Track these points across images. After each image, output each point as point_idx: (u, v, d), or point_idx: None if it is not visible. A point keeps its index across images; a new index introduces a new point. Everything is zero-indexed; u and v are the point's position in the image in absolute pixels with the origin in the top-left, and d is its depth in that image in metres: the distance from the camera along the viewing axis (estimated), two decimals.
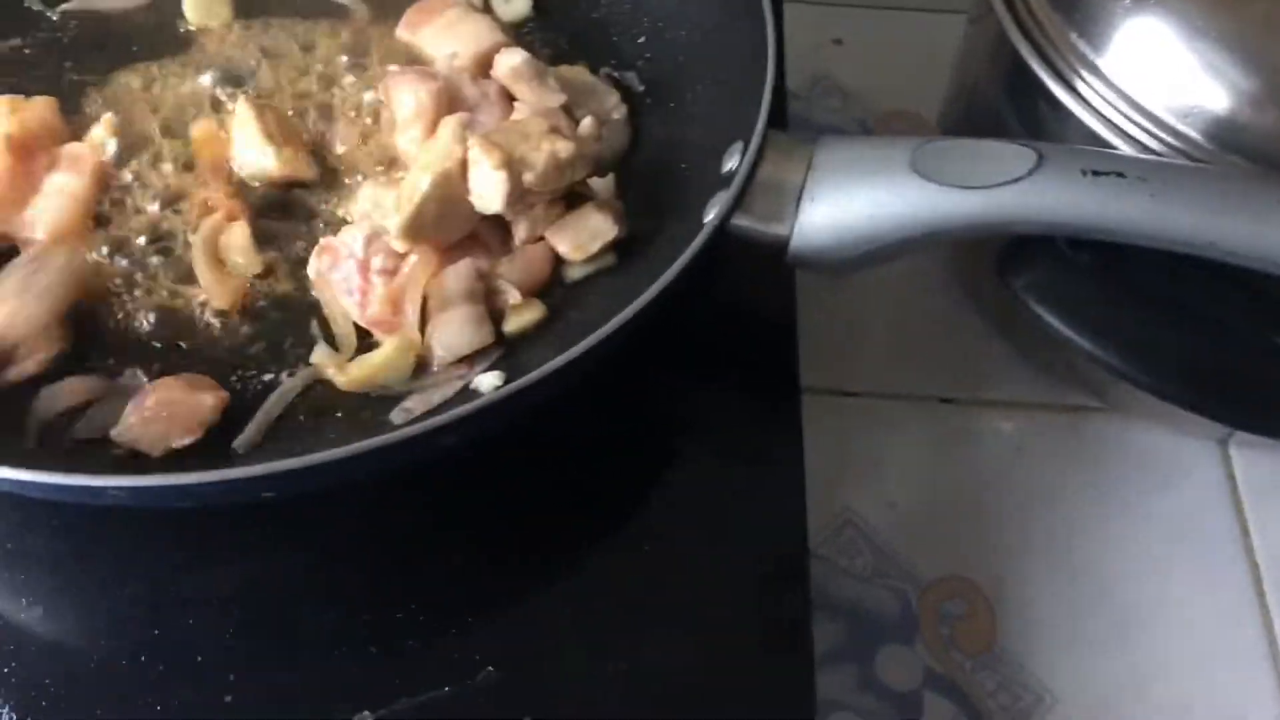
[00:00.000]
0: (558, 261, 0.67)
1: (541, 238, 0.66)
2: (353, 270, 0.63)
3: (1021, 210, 0.56)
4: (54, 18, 0.76)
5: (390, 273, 0.63)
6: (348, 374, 0.61)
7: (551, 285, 0.67)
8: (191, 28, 0.76)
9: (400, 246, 0.63)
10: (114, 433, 0.56)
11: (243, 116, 0.69)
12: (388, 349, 0.61)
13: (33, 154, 0.66)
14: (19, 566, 0.57)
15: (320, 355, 0.62)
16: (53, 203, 0.65)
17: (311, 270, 0.65)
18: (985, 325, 0.80)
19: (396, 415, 0.60)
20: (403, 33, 0.76)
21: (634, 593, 0.59)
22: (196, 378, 0.59)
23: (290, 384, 0.61)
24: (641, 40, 0.77)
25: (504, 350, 0.63)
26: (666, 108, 0.74)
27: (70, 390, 0.57)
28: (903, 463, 0.75)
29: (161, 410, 0.56)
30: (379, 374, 0.61)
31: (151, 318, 0.63)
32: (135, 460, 0.56)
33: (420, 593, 0.58)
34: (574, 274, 0.67)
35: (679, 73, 0.74)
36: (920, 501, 0.73)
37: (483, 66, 0.72)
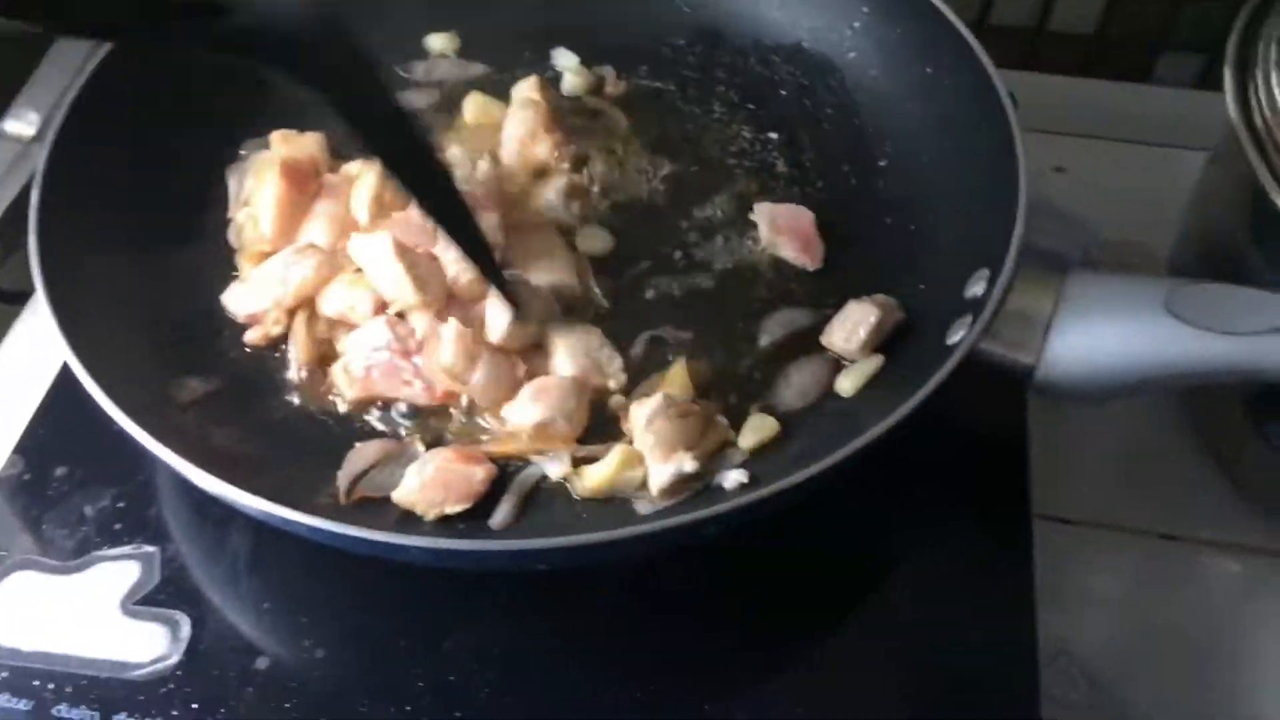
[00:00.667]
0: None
1: None
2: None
3: (1277, 360, 0.56)
4: None
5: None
6: (583, 483, 0.65)
7: None
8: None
9: None
10: (395, 495, 0.62)
11: None
12: (614, 462, 0.64)
13: (304, 181, 0.75)
14: (304, 610, 0.63)
15: (554, 470, 0.65)
16: (319, 225, 0.74)
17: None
18: (1213, 464, 0.79)
19: (642, 506, 0.64)
20: None
21: (862, 697, 0.61)
22: (468, 450, 0.65)
23: (535, 470, 0.65)
24: (883, 163, 0.81)
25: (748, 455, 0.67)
26: (906, 229, 0.77)
27: (375, 451, 0.64)
28: (1121, 596, 0.75)
29: (440, 478, 0.62)
30: (611, 484, 0.64)
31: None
32: (408, 521, 0.62)
33: (660, 672, 0.61)
34: (845, 386, 0.69)
35: (920, 196, 0.77)
36: (1139, 637, 0.73)
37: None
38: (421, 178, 0.65)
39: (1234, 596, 0.75)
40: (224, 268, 0.75)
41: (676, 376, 0.69)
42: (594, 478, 0.64)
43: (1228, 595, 0.75)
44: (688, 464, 0.63)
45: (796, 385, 0.70)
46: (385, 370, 0.67)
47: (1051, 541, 0.76)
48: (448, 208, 0.66)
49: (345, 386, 0.68)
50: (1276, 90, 0.70)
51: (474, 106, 0.83)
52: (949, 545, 0.68)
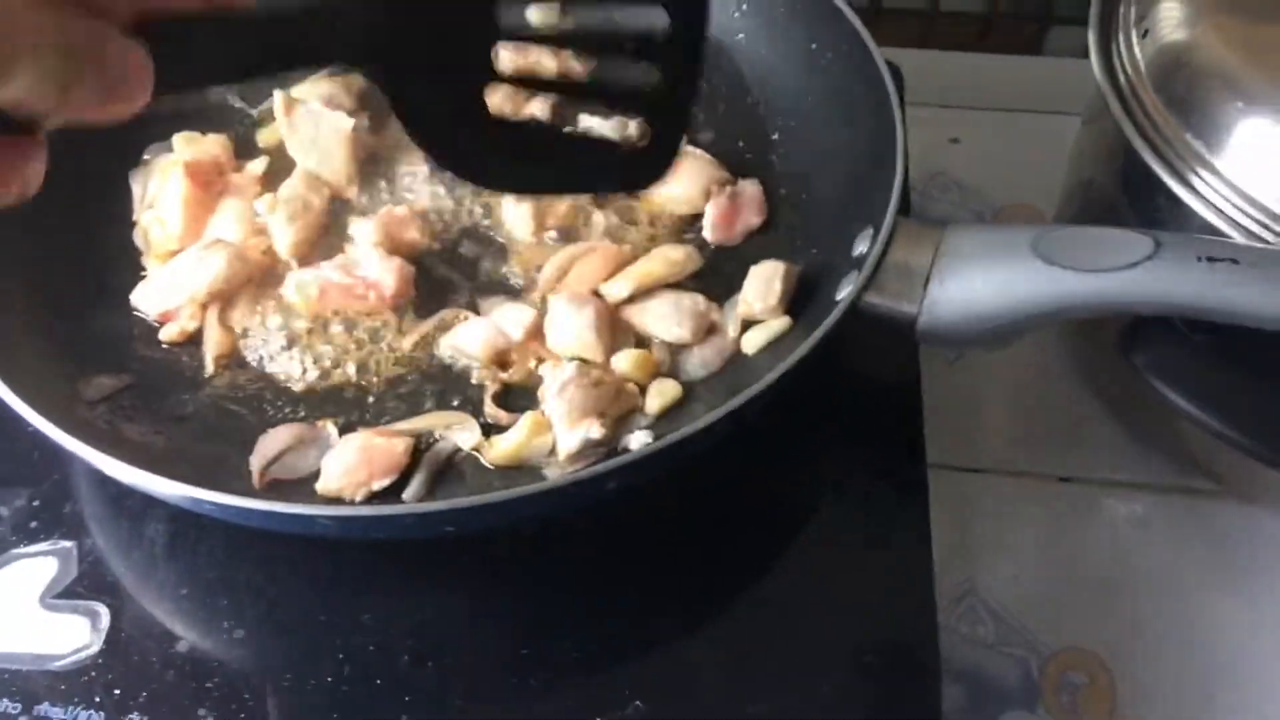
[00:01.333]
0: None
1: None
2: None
3: (1139, 293, 0.60)
4: (254, 113, 0.86)
5: None
6: (494, 452, 0.66)
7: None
8: None
9: None
10: (319, 486, 0.63)
11: None
12: (523, 429, 0.66)
13: (209, 180, 0.78)
14: (224, 593, 0.64)
15: (465, 440, 0.67)
16: (227, 221, 0.76)
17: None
18: (1104, 407, 0.83)
19: (550, 472, 0.66)
20: None
21: (771, 644, 0.63)
22: (381, 429, 0.66)
23: (446, 444, 0.67)
24: (775, 137, 0.84)
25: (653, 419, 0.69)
26: (799, 198, 0.80)
27: (287, 434, 0.65)
28: (1024, 538, 0.78)
29: (362, 456, 0.63)
30: (521, 452, 0.66)
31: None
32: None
33: (574, 631, 0.63)
34: (752, 342, 0.72)
35: (811, 166, 0.80)
36: (1042, 576, 0.76)
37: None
38: None
39: (1130, 532, 0.78)
40: (129, 269, 0.76)
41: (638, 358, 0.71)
42: (504, 446, 0.66)
43: (1124, 531, 0.78)
44: (595, 430, 0.65)
45: (698, 356, 0.72)
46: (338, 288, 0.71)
47: (956, 490, 0.79)
48: None
49: (302, 305, 0.71)
50: (1137, 49, 0.74)
51: None
52: (849, 495, 0.71)
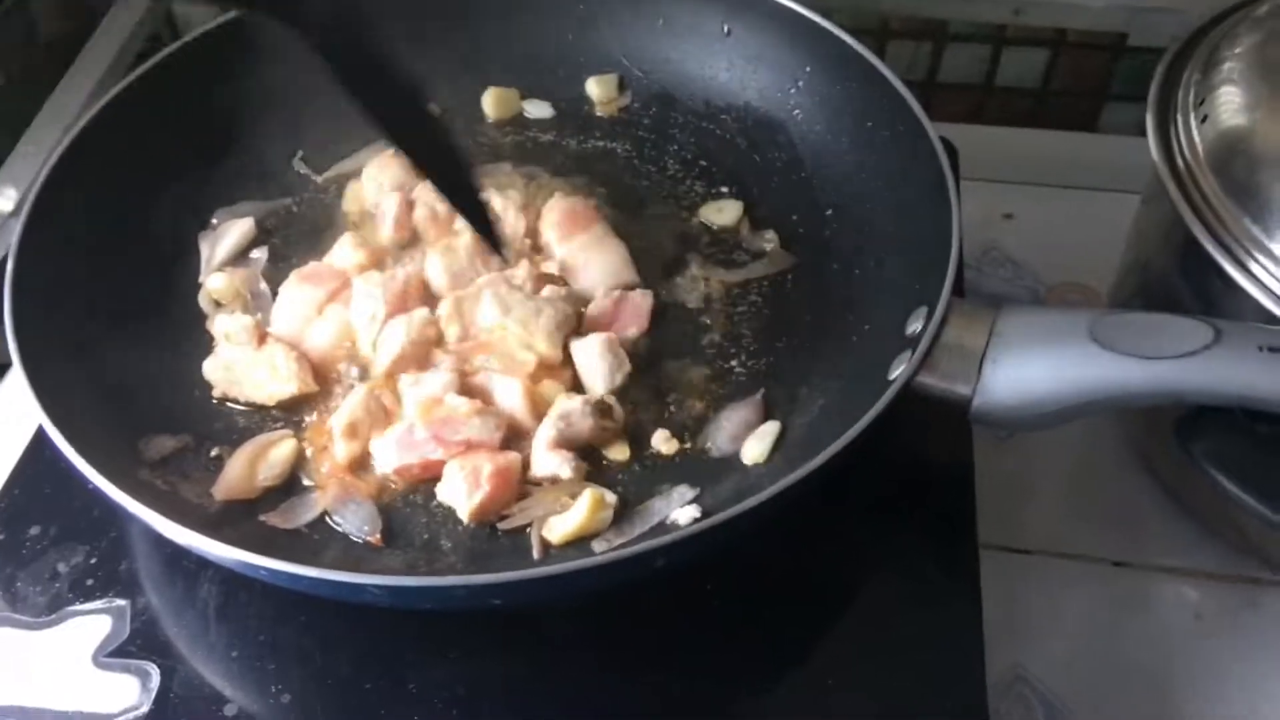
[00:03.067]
0: None
1: None
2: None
3: (1198, 383, 0.59)
4: (319, 180, 0.89)
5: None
6: (555, 534, 0.67)
7: None
8: None
9: None
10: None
11: None
12: (584, 509, 0.66)
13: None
14: (273, 657, 0.65)
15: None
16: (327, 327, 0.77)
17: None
18: (1159, 489, 0.81)
19: (597, 544, 0.67)
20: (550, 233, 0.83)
21: None
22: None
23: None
24: (829, 212, 0.84)
25: (699, 491, 0.69)
26: (852, 273, 0.80)
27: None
28: (1076, 623, 0.76)
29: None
30: (583, 531, 0.66)
31: None
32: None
33: (617, 706, 0.63)
34: (753, 453, 0.72)
35: (864, 242, 0.81)
36: (1094, 663, 0.74)
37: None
38: (424, 145, 0.67)
39: (1185, 620, 0.77)
40: (195, 331, 0.78)
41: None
42: (565, 528, 0.66)
43: (1179, 619, 0.77)
44: (566, 469, 0.68)
45: (728, 431, 0.73)
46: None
47: (1006, 571, 0.78)
48: (452, 174, 0.69)
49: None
50: (1196, 132, 0.74)
51: None
52: (900, 576, 0.70)
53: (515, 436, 0.71)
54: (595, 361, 0.74)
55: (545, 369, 0.74)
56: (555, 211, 0.83)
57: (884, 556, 0.71)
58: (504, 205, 0.82)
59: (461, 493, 0.68)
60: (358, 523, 0.68)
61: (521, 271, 0.79)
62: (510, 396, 0.72)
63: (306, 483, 0.70)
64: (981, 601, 0.68)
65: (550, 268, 0.81)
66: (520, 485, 0.68)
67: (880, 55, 1.14)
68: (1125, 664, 0.75)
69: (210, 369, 0.75)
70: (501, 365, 0.74)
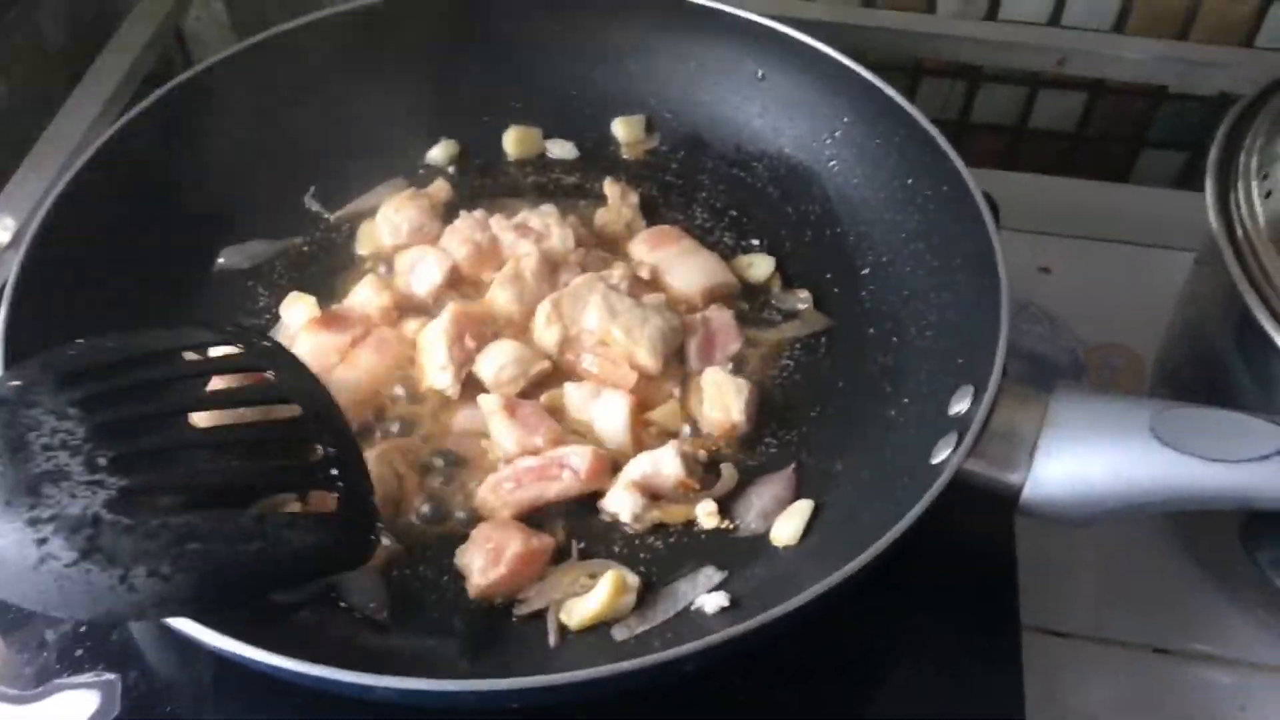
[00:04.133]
0: None
1: None
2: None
3: (1269, 489, 0.55)
4: (331, 218, 0.85)
5: None
6: (574, 619, 0.63)
7: None
8: None
9: None
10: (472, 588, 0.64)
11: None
12: (604, 593, 0.63)
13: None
14: None
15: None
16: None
17: None
18: (1203, 574, 0.78)
19: (618, 631, 0.63)
20: (640, 249, 0.82)
21: None
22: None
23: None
24: (865, 272, 0.81)
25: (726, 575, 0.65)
26: (889, 341, 0.76)
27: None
28: (1116, 710, 0.73)
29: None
30: (603, 616, 0.63)
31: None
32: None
33: None
34: (783, 535, 0.69)
35: (902, 307, 0.77)
36: None
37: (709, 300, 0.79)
38: None
39: (1227, 710, 0.73)
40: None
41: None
42: (584, 613, 0.63)
43: (1221, 709, 0.73)
44: (655, 512, 0.66)
45: (757, 507, 0.70)
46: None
47: (1045, 654, 0.74)
48: None
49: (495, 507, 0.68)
50: (1258, 201, 0.70)
51: None
52: (941, 661, 0.67)
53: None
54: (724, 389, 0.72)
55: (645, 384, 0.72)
56: (644, 231, 0.82)
57: (925, 642, 0.68)
58: (544, 222, 0.80)
59: (476, 566, 0.64)
60: (362, 598, 0.64)
61: (618, 271, 0.77)
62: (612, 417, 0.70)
63: None
64: (1023, 688, 0.65)
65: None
66: (543, 569, 0.64)
67: (912, 94, 1.14)
68: None
69: None
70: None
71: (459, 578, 0.65)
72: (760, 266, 0.82)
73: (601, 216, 0.83)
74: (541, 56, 0.89)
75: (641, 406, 0.72)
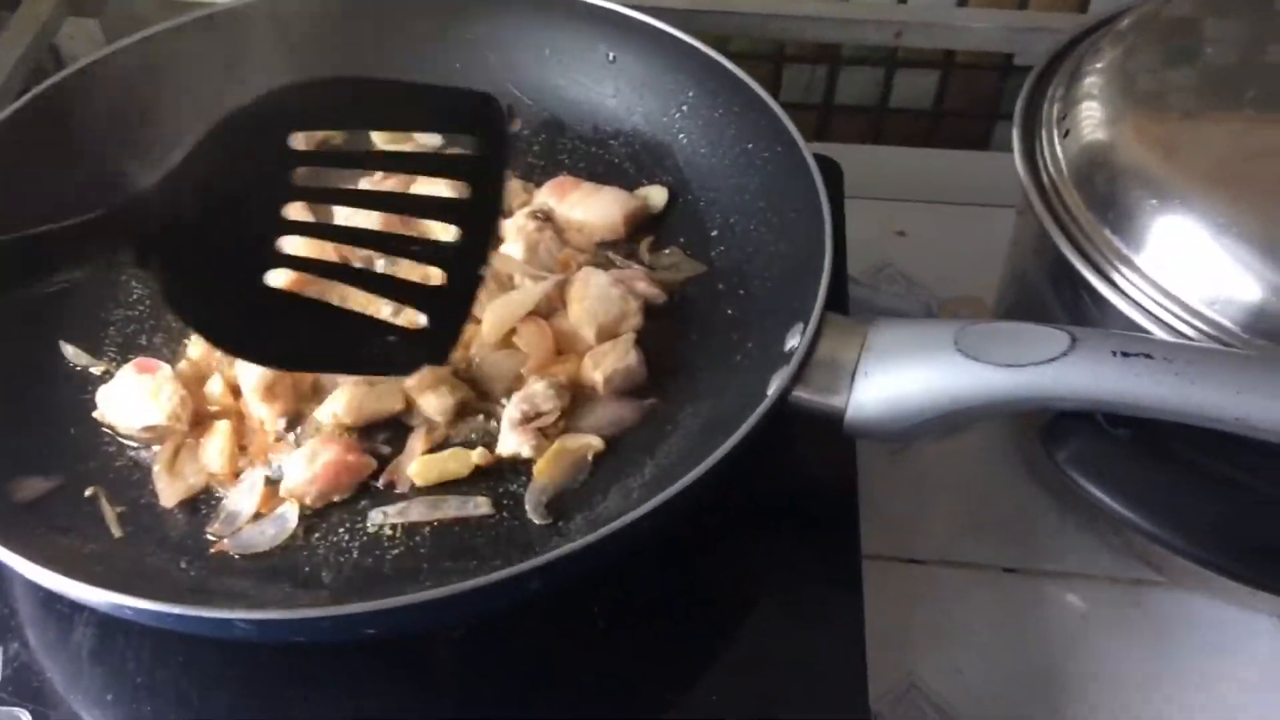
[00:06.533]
0: None
1: None
2: None
3: (1056, 388, 0.61)
4: None
5: None
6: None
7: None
8: None
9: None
10: (283, 489, 0.69)
11: None
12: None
13: None
14: (148, 700, 0.63)
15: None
16: None
17: None
18: (1046, 497, 0.83)
19: None
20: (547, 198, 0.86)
21: None
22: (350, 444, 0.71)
23: None
24: (714, 234, 0.86)
25: None
26: (736, 294, 0.81)
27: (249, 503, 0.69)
28: (967, 631, 0.77)
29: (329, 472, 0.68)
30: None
31: None
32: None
33: None
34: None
35: (748, 262, 0.82)
36: (986, 669, 0.75)
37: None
38: None
39: (1076, 624, 0.78)
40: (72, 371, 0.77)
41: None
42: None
43: (1070, 623, 0.78)
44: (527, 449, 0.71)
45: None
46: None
47: (898, 583, 0.79)
48: None
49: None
50: (1059, 147, 0.76)
51: None
52: (784, 592, 0.71)
53: None
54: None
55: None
56: (545, 185, 0.87)
57: (768, 573, 0.72)
58: None
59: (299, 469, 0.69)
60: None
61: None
62: None
63: None
64: (864, 613, 0.69)
65: None
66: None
67: (777, 79, 1.19)
68: (1016, 668, 0.76)
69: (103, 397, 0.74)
70: None
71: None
72: (656, 195, 0.88)
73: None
74: (402, 51, 0.93)
75: None
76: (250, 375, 0.72)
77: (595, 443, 0.73)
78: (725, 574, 0.72)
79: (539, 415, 0.72)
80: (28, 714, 0.63)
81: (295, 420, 0.73)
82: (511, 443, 0.72)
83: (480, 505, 0.69)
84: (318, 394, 0.74)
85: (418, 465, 0.71)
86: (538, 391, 0.72)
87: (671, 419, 0.75)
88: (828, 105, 1.23)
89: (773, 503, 0.74)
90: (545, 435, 0.72)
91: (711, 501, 0.64)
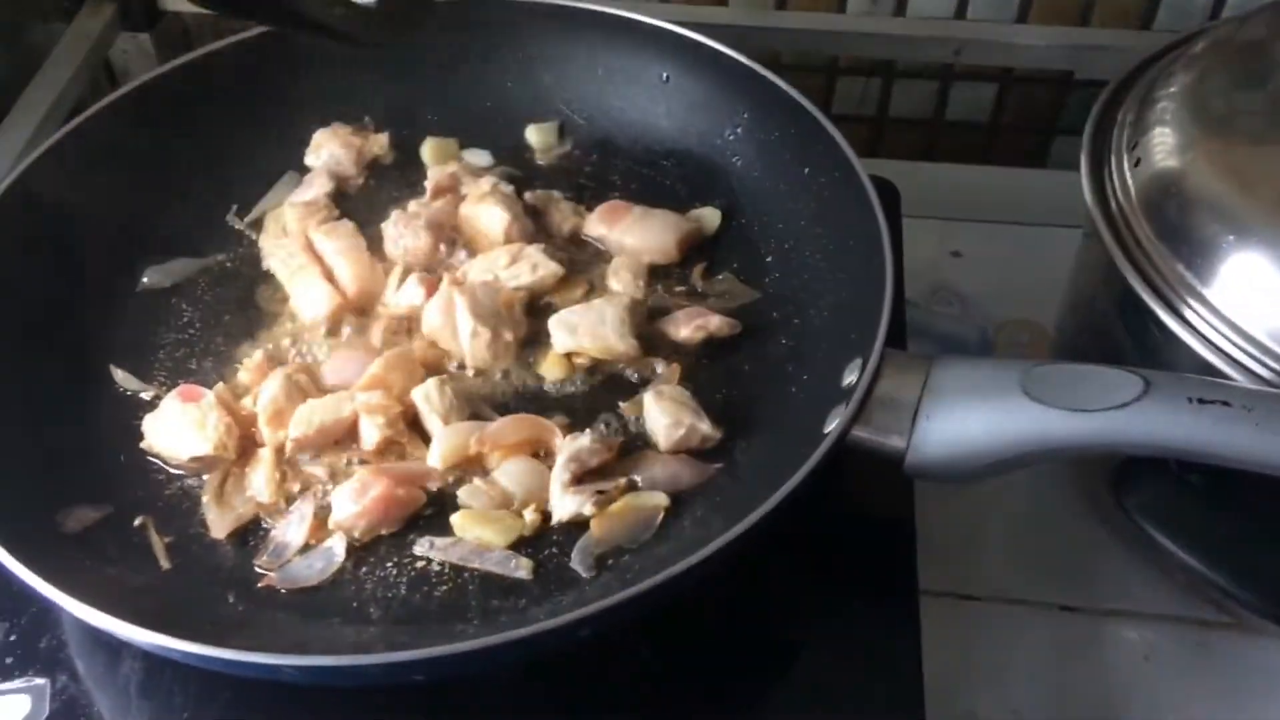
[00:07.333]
0: None
1: None
2: None
3: (1128, 435, 0.59)
4: (254, 236, 0.87)
5: None
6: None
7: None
8: None
9: None
10: (331, 521, 0.68)
11: None
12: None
13: None
14: None
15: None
16: None
17: None
18: (1107, 534, 0.81)
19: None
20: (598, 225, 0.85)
21: None
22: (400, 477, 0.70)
23: None
24: (769, 260, 0.84)
25: None
26: (791, 323, 0.79)
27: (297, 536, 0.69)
28: (1025, 671, 0.75)
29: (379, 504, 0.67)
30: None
31: None
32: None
33: None
34: None
35: (803, 290, 0.80)
36: (1044, 711, 0.73)
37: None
38: None
39: (1135, 662, 0.76)
40: (119, 396, 0.76)
41: None
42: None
43: (1132, 665, 0.76)
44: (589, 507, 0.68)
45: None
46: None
47: (956, 619, 0.77)
48: None
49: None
50: (1129, 175, 0.74)
51: None
52: (843, 627, 0.69)
53: None
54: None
55: None
56: (595, 211, 0.86)
57: (823, 610, 0.70)
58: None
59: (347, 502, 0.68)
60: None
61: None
62: None
63: None
64: (921, 650, 0.67)
65: None
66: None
67: (830, 91, 1.17)
68: (1075, 708, 0.74)
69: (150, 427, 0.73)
70: None
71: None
72: (709, 218, 0.86)
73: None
74: (457, 69, 0.92)
75: None
76: (263, 397, 0.72)
77: (664, 501, 0.69)
78: (778, 610, 0.70)
79: (589, 471, 0.69)
80: None
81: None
82: (569, 505, 0.68)
83: (520, 568, 0.67)
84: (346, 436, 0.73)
85: (459, 518, 0.69)
86: (584, 446, 0.70)
87: (724, 454, 0.73)
88: (881, 118, 1.21)
89: (827, 537, 0.72)
90: (602, 492, 0.69)
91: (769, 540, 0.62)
